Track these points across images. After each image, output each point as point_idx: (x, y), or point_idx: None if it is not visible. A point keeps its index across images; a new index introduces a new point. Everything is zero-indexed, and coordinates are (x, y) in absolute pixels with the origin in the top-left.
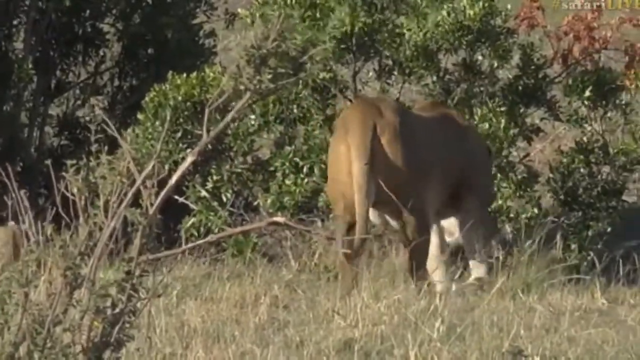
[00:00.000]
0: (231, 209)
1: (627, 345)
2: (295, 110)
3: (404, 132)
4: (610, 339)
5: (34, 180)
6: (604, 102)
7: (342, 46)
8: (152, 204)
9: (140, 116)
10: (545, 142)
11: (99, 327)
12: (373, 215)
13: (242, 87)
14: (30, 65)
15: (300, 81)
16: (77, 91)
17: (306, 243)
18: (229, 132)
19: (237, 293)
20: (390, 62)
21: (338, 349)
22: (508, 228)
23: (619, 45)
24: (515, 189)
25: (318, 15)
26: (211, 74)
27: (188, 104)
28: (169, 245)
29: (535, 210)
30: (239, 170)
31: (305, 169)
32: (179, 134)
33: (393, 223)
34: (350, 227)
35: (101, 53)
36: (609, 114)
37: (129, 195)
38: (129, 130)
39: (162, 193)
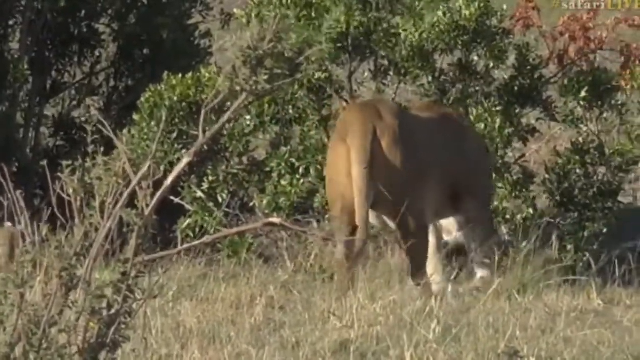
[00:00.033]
0: (227, 209)
1: (623, 346)
2: (291, 111)
3: (404, 134)
4: (606, 339)
5: (30, 180)
6: (599, 103)
7: (339, 45)
8: (147, 205)
9: (135, 117)
10: (541, 143)
11: (95, 328)
12: (372, 216)
13: (238, 88)
14: (26, 66)
15: (296, 82)
16: (73, 92)
17: (302, 244)
18: (225, 132)
19: (233, 294)
20: (386, 63)
21: (334, 350)
22: (504, 229)
23: (614, 45)
24: (511, 190)
25: (314, 14)
26: (207, 75)
27: (184, 104)
28: (165, 246)
29: (531, 211)
30: (235, 171)
31: (301, 170)
32: (175, 135)
33: (391, 224)
34: (350, 227)
35: (97, 53)
36: (604, 115)
37: (125, 196)
38: (125, 130)
39: (158, 194)
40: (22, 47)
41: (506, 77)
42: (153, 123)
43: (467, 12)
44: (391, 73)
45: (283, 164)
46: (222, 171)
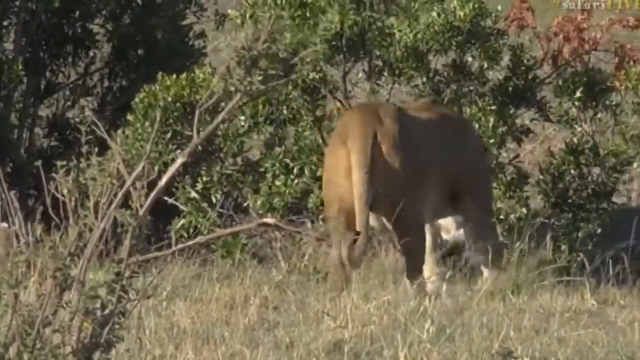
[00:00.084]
0: (221, 210)
1: (616, 346)
2: (285, 111)
3: (403, 138)
4: (600, 340)
5: (24, 181)
6: (594, 103)
7: (333, 43)
8: (141, 205)
9: (130, 117)
10: (535, 143)
11: (89, 328)
12: (371, 218)
13: (232, 88)
14: (20, 66)
15: (290, 82)
16: (67, 92)
17: (296, 244)
18: (219, 133)
19: (227, 294)
20: (380, 63)
21: (328, 350)
22: (498, 229)
23: (608, 46)
24: (504, 190)
25: (308, 14)
26: (201, 75)
27: (178, 104)
28: (159, 246)
29: (525, 211)
30: (229, 172)
31: (295, 170)
32: (169, 135)
33: (389, 225)
34: (345, 228)
35: (91, 54)
36: (599, 115)
37: (119, 196)
38: (119, 131)
39: (152, 194)
40: (16, 47)
41: (500, 77)
42: (147, 123)
43: (462, 13)
44: (385, 73)
45: (277, 165)
46: (216, 172)
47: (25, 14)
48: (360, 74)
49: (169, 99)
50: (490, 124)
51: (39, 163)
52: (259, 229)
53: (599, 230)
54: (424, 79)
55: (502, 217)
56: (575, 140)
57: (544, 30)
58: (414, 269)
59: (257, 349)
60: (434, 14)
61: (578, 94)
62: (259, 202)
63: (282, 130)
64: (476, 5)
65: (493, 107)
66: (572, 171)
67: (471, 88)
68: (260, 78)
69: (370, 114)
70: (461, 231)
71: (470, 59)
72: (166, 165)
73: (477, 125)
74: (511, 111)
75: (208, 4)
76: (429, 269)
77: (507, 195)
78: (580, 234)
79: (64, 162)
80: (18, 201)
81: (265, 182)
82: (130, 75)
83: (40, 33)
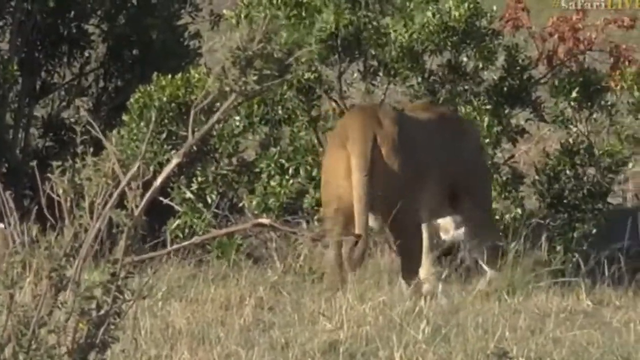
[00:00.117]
0: (216, 210)
1: (612, 347)
2: (280, 112)
3: (403, 140)
4: (595, 340)
5: (19, 181)
6: (589, 104)
7: (329, 43)
8: (137, 206)
9: (125, 117)
10: (530, 144)
11: (84, 329)
12: (370, 219)
13: (227, 89)
14: (15, 67)
15: (285, 82)
16: (62, 92)
17: (291, 245)
18: (214, 133)
19: (222, 294)
20: (375, 63)
21: (323, 350)
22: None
23: (603, 46)
24: (500, 191)
25: (304, 14)
26: (196, 75)
27: (173, 105)
28: (154, 246)
29: (520, 212)
30: (224, 172)
31: (290, 171)
32: (164, 135)
33: (386, 226)
34: (343, 228)
35: (86, 54)
36: (594, 115)
37: (114, 196)
38: (114, 131)
39: (147, 194)
40: (11, 47)
41: (495, 77)
42: (142, 124)
43: (457, 13)
44: (380, 74)
45: (272, 165)
46: (211, 172)
47: (21, 14)
48: (355, 74)
49: (164, 99)
50: (485, 124)
51: (34, 163)
52: (254, 230)
53: (594, 231)
54: (419, 79)
55: (497, 217)
56: (570, 140)
57: (539, 30)
58: (410, 270)
59: (252, 349)
60: (429, 14)
61: (574, 94)
62: (254, 203)
63: (277, 130)
64: (471, 6)
65: (488, 107)
66: (568, 172)
67: (466, 87)
68: (255, 78)
69: (369, 117)
70: (460, 231)
71: (465, 59)
72: (161, 165)
73: None
74: (506, 111)
75: (203, 4)
76: (425, 269)
77: (503, 195)
78: (575, 235)
79: (59, 163)
80: (13, 201)
81: (261, 183)
82: (125, 75)
83: (35, 33)
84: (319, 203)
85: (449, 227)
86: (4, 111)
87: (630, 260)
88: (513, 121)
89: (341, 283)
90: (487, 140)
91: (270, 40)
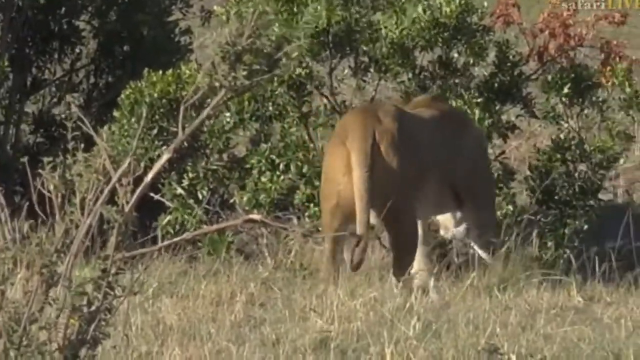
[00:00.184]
0: (207, 206)
1: (603, 343)
2: (270, 108)
3: (403, 137)
4: (586, 336)
5: (10, 177)
6: (580, 100)
7: (321, 38)
8: (128, 202)
9: (116, 113)
10: (521, 140)
11: (75, 325)
12: (372, 216)
13: (217, 84)
14: (6, 63)
15: (276, 78)
16: (53, 89)
17: (282, 241)
18: (205, 129)
19: (213, 291)
20: (366, 59)
21: (314, 346)
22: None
23: (594, 42)
24: None
25: (295, 10)
26: (187, 71)
27: (164, 101)
28: (145, 242)
29: (511, 208)
30: (215, 168)
31: (281, 167)
32: (155, 131)
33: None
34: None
35: (77, 50)
36: (585, 112)
37: (105, 192)
38: (105, 127)
39: (138, 190)
40: (2, 44)
41: (486, 73)
42: (133, 120)
43: (448, 9)
44: (371, 70)
45: (263, 161)
46: (202, 168)
47: (11, 10)
48: (346, 70)
49: (155, 95)
50: (477, 117)
51: (25, 159)
52: (245, 226)
53: (585, 227)
54: (410, 75)
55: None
56: (561, 136)
57: (530, 26)
58: (401, 267)
59: (243, 345)
60: (420, 9)
61: (565, 90)
62: (245, 199)
63: (268, 126)
64: (462, 2)
65: (479, 100)
66: (560, 168)
67: (457, 82)
68: (244, 73)
69: (369, 114)
70: (460, 228)
71: (456, 55)
72: (152, 161)
73: None
74: (497, 107)
75: (194, 1)
76: (417, 264)
77: None
78: (566, 231)
79: (50, 159)
80: (4, 197)
81: (251, 179)
82: (116, 71)
83: (26, 29)
84: (309, 199)
85: (448, 225)
86: None
87: (622, 257)
88: (504, 117)
89: (334, 279)
90: None
91: (259, 35)
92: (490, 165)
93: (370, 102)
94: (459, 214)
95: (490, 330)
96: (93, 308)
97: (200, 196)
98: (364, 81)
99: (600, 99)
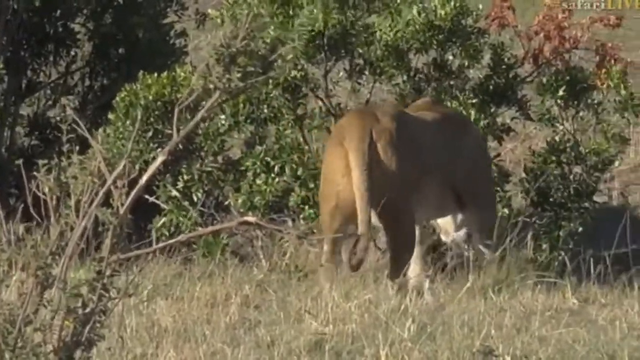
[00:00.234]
0: (202, 208)
1: (598, 345)
2: (265, 110)
3: (401, 137)
4: (581, 338)
5: (5, 180)
6: (575, 102)
7: (317, 42)
8: (122, 204)
9: (111, 116)
10: (516, 142)
11: (70, 327)
12: (373, 216)
13: (211, 86)
14: (1, 65)
15: (271, 80)
16: (48, 91)
17: (277, 243)
18: (200, 132)
19: (208, 293)
20: (361, 62)
21: (309, 348)
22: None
23: (589, 45)
24: None
25: (291, 12)
26: (182, 74)
27: (159, 103)
28: (140, 245)
29: (506, 211)
30: (210, 170)
31: (276, 169)
32: (150, 134)
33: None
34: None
35: (72, 53)
36: (580, 114)
37: (100, 195)
38: (100, 130)
39: (133, 193)
40: None
41: (481, 76)
42: (128, 122)
43: (443, 12)
44: (366, 72)
45: (258, 163)
46: (197, 170)
47: (6, 12)
48: (341, 73)
49: (150, 97)
50: (472, 118)
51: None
52: (240, 228)
53: (580, 229)
54: (405, 78)
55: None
56: (556, 139)
57: (525, 28)
58: (397, 269)
59: (238, 347)
60: (415, 12)
61: (560, 93)
62: (240, 201)
63: (262, 129)
64: (457, 4)
65: (474, 101)
66: (555, 171)
67: (452, 83)
68: (239, 75)
69: (367, 114)
70: (460, 233)
71: (451, 57)
72: (147, 163)
73: None
74: (492, 110)
75: (189, 3)
76: (412, 264)
77: None
78: (561, 233)
79: (45, 161)
80: None
81: (246, 181)
82: (111, 74)
83: (21, 32)
84: (304, 201)
85: (449, 229)
86: None
87: (617, 260)
88: (499, 119)
89: (333, 279)
90: None
91: (254, 37)
92: (491, 168)
93: (368, 105)
94: (459, 218)
95: (485, 332)
96: (88, 310)
97: (195, 198)
98: (359, 84)
99: (596, 102)
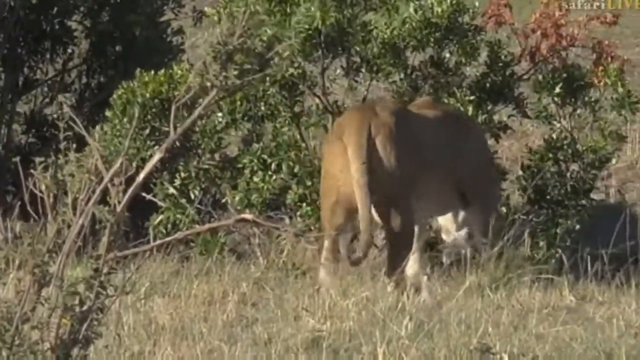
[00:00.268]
0: (199, 206)
1: (595, 343)
2: (262, 108)
3: (401, 132)
4: (578, 336)
5: (2, 177)
6: (572, 99)
7: (314, 41)
8: (120, 202)
9: (108, 113)
10: (513, 139)
11: (67, 325)
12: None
13: (208, 84)
14: None
15: (268, 78)
16: (45, 89)
17: (274, 240)
18: (197, 129)
19: (205, 290)
20: (358, 59)
21: (306, 346)
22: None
23: (586, 42)
24: None
25: (288, 10)
26: (179, 71)
27: (156, 101)
28: (137, 242)
29: (504, 209)
30: (207, 167)
31: (273, 166)
32: (147, 131)
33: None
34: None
35: (69, 50)
36: (577, 111)
37: (97, 192)
38: (97, 127)
39: (130, 190)
40: None
41: (478, 73)
42: (125, 120)
43: (439, 9)
44: (363, 70)
45: (255, 161)
46: (194, 167)
47: (3, 10)
48: (338, 70)
49: (147, 95)
50: (470, 114)
51: (17, 159)
52: (237, 225)
53: (577, 227)
54: (402, 75)
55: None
56: (553, 136)
57: (522, 26)
58: (394, 266)
59: (235, 345)
60: (411, 9)
61: (557, 90)
62: (237, 198)
63: (260, 126)
64: (454, 2)
65: (472, 97)
66: (552, 169)
67: (449, 80)
68: (236, 73)
69: (366, 109)
70: (462, 232)
71: (447, 55)
72: (144, 161)
73: None
74: (489, 107)
75: (186, 1)
76: (410, 261)
77: None
78: (558, 231)
79: (42, 159)
80: None
81: (244, 178)
82: (108, 71)
83: (18, 29)
84: (301, 199)
85: (450, 228)
86: None
87: (614, 257)
88: (496, 117)
89: (334, 274)
90: None
91: (250, 35)
92: (494, 165)
93: (366, 102)
94: (461, 217)
95: (482, 330)
96: (85, 308)
97: (192, 196)
98: (356, 81)
99: (593, 99)
